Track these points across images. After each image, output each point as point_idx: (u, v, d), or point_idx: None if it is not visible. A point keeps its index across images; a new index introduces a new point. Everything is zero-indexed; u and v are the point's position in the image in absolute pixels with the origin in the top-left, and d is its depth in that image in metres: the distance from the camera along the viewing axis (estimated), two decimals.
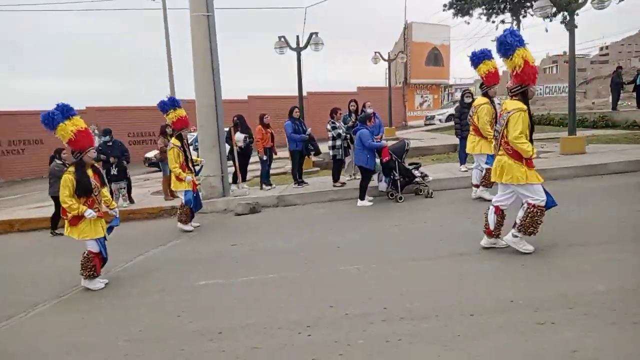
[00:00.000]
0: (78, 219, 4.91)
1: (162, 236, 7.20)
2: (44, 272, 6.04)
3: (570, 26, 8.81)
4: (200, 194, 7.76)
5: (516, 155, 4.40)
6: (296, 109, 9.16)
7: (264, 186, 9.49)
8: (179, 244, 6.75)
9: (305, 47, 11.50)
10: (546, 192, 4.47)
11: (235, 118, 9.58)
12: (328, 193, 8.69)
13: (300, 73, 11.54)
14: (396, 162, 7.55)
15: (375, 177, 8.17)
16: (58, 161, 8.01)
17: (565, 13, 10.65)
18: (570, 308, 3.34)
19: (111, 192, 9.42)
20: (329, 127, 8.70)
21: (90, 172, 5.04)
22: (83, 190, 4.90)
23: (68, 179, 4.87)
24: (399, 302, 3.77)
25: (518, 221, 4.52)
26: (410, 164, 8.01)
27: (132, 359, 3.34)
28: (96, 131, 22.91)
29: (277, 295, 4.28)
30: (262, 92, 24.42)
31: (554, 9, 10.17)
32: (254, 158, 10.00)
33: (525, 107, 4.35)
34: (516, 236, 4.55)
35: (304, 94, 28.59)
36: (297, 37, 11.49)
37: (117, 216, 5.43)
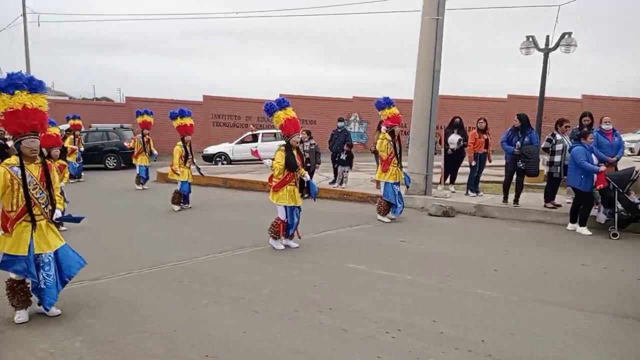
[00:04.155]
0: (280, 186, 6.15)
1: (357, 219, 8.06)
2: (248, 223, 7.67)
3: None
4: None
5: None
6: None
7: (469, 192, 9.24)
8: (362, 229, 7.47)
9: (555, 48, 10.25)
10: None
11: (457, 119, 9.53)
12: (533, 213, 7.86)
13: (545, 76, 10.39)
14: (615, 192, 6.25)
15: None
16: None
17: None
18: None
19: (335, 173, 10.94)
20: (546, 140, 7.76)
21: (295, 152, 6.22)
22: (289, 166, 6.13)
23: (280, 154, 6.14)
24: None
25: None
26: None
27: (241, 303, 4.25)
28: (358, 118, 26.05)
29: (398, 294, 4.49)
30: (525, 91, 22.55)
31: None
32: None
33: None
34: None
35: (579, 97, 24.89)
36: (547, 37, 10.34)
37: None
